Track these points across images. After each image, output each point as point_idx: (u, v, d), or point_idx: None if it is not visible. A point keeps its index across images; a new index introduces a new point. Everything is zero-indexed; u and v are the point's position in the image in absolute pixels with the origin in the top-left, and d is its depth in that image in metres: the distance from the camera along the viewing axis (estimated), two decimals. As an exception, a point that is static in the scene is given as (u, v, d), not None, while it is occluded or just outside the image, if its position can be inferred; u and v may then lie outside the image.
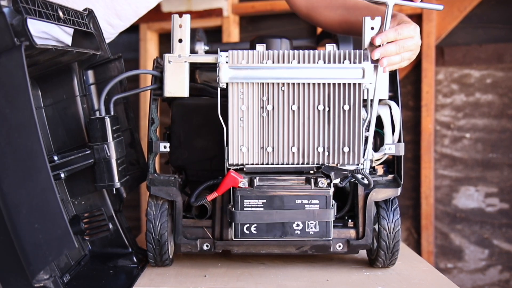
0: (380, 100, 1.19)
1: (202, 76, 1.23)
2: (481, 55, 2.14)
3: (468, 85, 2.17)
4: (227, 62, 1.08)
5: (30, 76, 0.89)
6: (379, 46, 1.11)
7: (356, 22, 1.15)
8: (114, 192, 1.21)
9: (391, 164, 1.22)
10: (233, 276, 1.16)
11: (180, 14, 1.13)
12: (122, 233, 1.24)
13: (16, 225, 0.89)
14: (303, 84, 1.08)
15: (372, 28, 1.15)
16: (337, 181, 1.09)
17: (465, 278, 2.20)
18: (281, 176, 1.08)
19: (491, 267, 2.17)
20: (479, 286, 2.19)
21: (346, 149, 1.09)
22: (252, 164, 1.10)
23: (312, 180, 1.07)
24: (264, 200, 1.06)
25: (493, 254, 2.17)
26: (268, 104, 1.09)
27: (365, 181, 1.10)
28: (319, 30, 2.09)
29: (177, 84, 1.14)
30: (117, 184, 1.13)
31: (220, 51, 1.09)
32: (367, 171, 1.12)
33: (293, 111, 1.09)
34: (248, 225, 1.07)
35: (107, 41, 1.50)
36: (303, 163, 1.10)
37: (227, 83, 1.08)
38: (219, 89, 1.09)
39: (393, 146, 1.17)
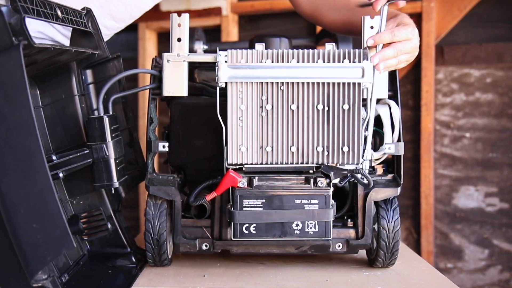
0: (379, 100, 1.19)
1: (201, 76, 1.23)
2: (481, 54, 2.14)
3: (468, 84, 2.16)
4: (226, 62, 1.07)
5: (28, 76, 0.88)
6: (375, 47, 1.11)
7: (360, 22, 1.15)
8: (113, 191, 1.20)
9: (390, 163, 1.22)
10: (232, 276, 1.15)
11: (179, 13, 1.13)
12: (121, 233, 1.23)
13: (15, 225, 0.89)
14: (303, 83, 1.08)
15: (372, 27, 1.14)
16: (336, 180, 1.09)
17: (465, 278, 2.19)
18: (281, 176, 1.08)
19: (491, 267, 2.17)
20: (479, 286, 2.18)
21: (345, 149, 1.09)
22: (251, 163, 1.09)
23: (312, 180, 1.07)
24: (263, 200, 1.06)
25: (493, 254, 2.17)
26: (267, 103, 1.08)
27: (365, 181, 1.10)
28: (318, 29, 2.09)
29: (176, 84, 1.13)
30: (116, 184, 1.12)
31: (219, 50, 1.09)
32: (367, 171, 1.11)
33: (293, 110, 1.08)
34: (247, 225, 1.07)
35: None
36: (302, 163, 1.09)
37: (226, 83, 1.08)
38: (218, 88, 1.09)
39: (392, 146, 1.17)
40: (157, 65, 1.18)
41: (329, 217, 1.07)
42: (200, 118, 1.22)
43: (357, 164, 1.09)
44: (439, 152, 2.22)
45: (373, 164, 1.19)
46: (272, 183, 1.07)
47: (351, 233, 1.17)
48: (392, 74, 1.18)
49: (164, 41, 2.51)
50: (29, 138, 0.88)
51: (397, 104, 1.18)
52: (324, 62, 1.08)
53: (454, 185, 2.21)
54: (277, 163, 1.09)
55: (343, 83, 1.08)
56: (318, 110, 1.09)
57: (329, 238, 1.08)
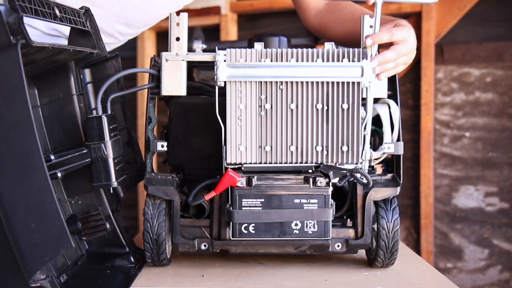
0: (379, 99, 1.19)
1: (200, 75, 1.23)
2: (481, 54, 2.13)
3: (468, 83, 2.16)
4: (225, 61, 1.07)
5: (26, 75, 0.88)
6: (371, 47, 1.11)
7: None
8: (111, 191, 1.20)
9: (390, 163, 1.21)
10: (231, 276, 1.15)
11: (178, 12, 1.12)
12: (119, 233, 1.23)
13: (13, 225, 0.89)
14: (302, 82, 1.08)
15: (371, 27, 1.14)
16: (335, 180, 1.09)
17: (465, 278, 2.19)
18: (280, 175, 1.08)
19: (491, 267, 2.17)
20: (478, 286, 2.18)
21: (345, 148, 1.09)
22: (250, 163, 1.09)
23: (311, 179, 1.06)
24: (262, 200, 1.06)
25: (493, 254, 2.16)
26: (266, 102, 1.08)
27: (364, 180, 1.10)
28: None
29: (175, 83, 1.13)
30: (114, 184, 1.12)
31: (218, 49, 1.08)
32: (366, 171, 1.11)
33: (292, 110, 1.08)
34: (246, 224, 1.06)
35: (114, 46, 1.51)
36: (301, 162, 1.09)
37: (225, 82, 1.07)
38: (217, 87, 1.09)
39: (392, 145, 1.17)
40: (156, 65, 1.18)
41: (328, 217, 1.06)
42: (199, 117, 1.22)
43: (356, 163, 1.09)
44: (439, 152, 2.21)
45: (372, 164, 1.19)
46: (271, 182, 1.07)
47: (351, 233, 1.17)
48: (391, 73, 1.18)
49: (163, 40, 2.51)
50: (27, 137, 0.88)
51: (397, 104, 1.18)
52: (323, 61, 1.08)
53: (454, 184, 2.20)
54: (276, 163, 1.09)
55: (342, 82, 1.08)
56: (317, 110, 1.08)
57: (328, 238, 1.08)
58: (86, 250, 1.23)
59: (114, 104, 1.21)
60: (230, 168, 1.08)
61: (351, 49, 1.08)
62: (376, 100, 1.20)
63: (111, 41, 1.46)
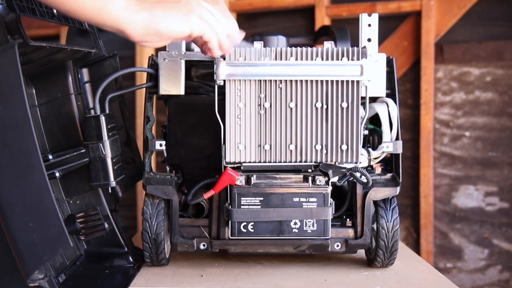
0: (377, 98, 1.19)
1: (198, 74, 1.22)
2: (481, 53, 2.13)
3: (468, 83, 2.15)
4: (224, 59, 1.07)
5: (24, 74, 0.88)
6: None
7: None
8: (110, 191, 1.20)
9: (389, 162, 1.21)
10: (230, 276, 1.15)
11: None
12: (118, 233, 1.23)
13: (10, 224, 0.88)
14: (301, 81, 1.08)
15: (369, 25, 1.14)
16: (335, 179, 1.08)
17: (465, 278, 2.19)
18: (279, 174, 1.08)
19: (490, 267, 2.16)
20: (478, 286, 2.18)
21: (344, 147, 1.09)
22: (249, 162, 1.09)
23: (310, 178, 1.06)
24: (261, 198, 1.05)
25: (493, 254, 2.16)
26: (265, 101, 1.08)
27: (364, 180, 1.09)
28: (317, 27, 2.08)
29: (173, 82, 1.13)
30: (113, 183, 1.12)
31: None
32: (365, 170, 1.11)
33: (291, 108, 1.08)
34: (245, 223, 1.06)
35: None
36: (300, 161, 1.09)
37: (224, 80, 1.07)
38: (216, 86, 1.09)
39: (391, 144, 1.17)
40: (154, 64, 1.17)
41: (327, 216, 1.06)
42: (197, 116, 1.21)
43: (356, 162, 1.09)
44: (438, 151, 2.21)
45: (372, 163, 1.19)
46: (270, 181, 1.07)
47: (350, 232, 1.17)
48: (390, 72, 1.18)
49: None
50: (25, 137, 0.88)
51: (395, 102, 1.18)
52: (322, 60, 1.08)
53: (453, 184, 2.20)
54: (275, 161, 1.09)
55: (342, 81, 1.08)
56: (316, 108, 1.08)
57: (327, 237, 1.08)
58: (84, 250, 1.23)
59: (112, 103, 1.21)
60: (229, 167, 1.08)
61: (350, 48, 1.08)
62: (375, 99, 1.20)
63: None
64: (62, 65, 1.16)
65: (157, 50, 2.25)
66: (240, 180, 1.06)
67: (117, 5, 0.87)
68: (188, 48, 1.16)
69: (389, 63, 1.18)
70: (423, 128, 2.18)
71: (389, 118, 1.17)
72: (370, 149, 1.18)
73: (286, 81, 1.07)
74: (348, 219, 1.18)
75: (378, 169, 1.23)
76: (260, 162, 1.09)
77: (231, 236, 1.07)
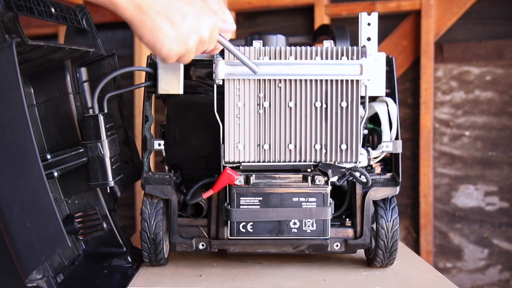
0: (377, 97, 1.19)
1: (197, 73, 1.22)
2: (481, 52, 2.13)
3: (468, 82, 2.15)
4: (223, 58, 1.07)
5: (22, 74, 0.88)
6: None
7: None
8: (108, 190, 1.20)
9: (389, 162, 1.21)
10: (229, 276, 1.14)
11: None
12: (117, 232, 1.23)
13: (8, 224, 0.88)
14: (300, 80, 1.07)
15: (369, 24, 1.14)
16: (334, 179, 1.08)
17: (465, 278, 2.18)
18: (278, 174, 1.07)
19: (490, 267, 2.16)
20: (478, 286, 2.17)
21: (343, 147, 1.08)
22: (249, 161, 1.09)
23: (309, 178, 1.06)
24: (261, 198, 1.05)
25: (493, 254, 2.16)
26: (264, 100, 1.08)
27: (363, 179, 1.09)
28: (316, 26, 2.08)
29: (171, 81, 1.13)
30: (111, 183, 1.12)
31: (216, 47, 1.08)
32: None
33: (290, 108, 1.08)
34: (244, 223, 1.06)
35: None
36: (300, 161, 1.09)
37: (223, 80, 1.07)
38: (215, 85, 1.08)
39: (390, 144, 1.16)
40: (153, 63, 1.17)
41: (327, 215, 1.06)
42: (196, 116, 1.21)
43: (355, 162, 1.09)
44: (438, 151, 2.21)
45: (371, 163, 1.19)
46: (270, 181, 1.07)
47: (349, 232, 1.16)
48: (389, 71, 1.18)
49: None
50: (23, 136, 0.87)
51: (395, 102, 1.17)
52: (322, 59, 1.07)
53: (453, 184, 2.20)
54: (274, 161, 1.09)
55: (341, 80, 1.07)
56: (316, 108, 1.08)
57: (327, 237, 1.08)
58: (83, 250, 1.22)
59: (111, 102, 1.21)
60: (228, 167, 1.07)
61: (349, 47, 1.08)
62: (374, 99, 1.20)
63: None
64: (60, 64, 1.16)
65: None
66: (239, 179, 1.05)
67: None
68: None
69: (389, 62, 1.18)
70: (423, 127, 2.17)
71: (388, 117, 1.17)
72: (369, 149, 1.18)
73: (285, 80, 1.07)
74: (347, 219, 1.18)
75: (378, 169, 1.23)
76: (259, 161, 1.09)
77: (230, 236, 1.07)
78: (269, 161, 1.09)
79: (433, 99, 2.18)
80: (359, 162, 1.10)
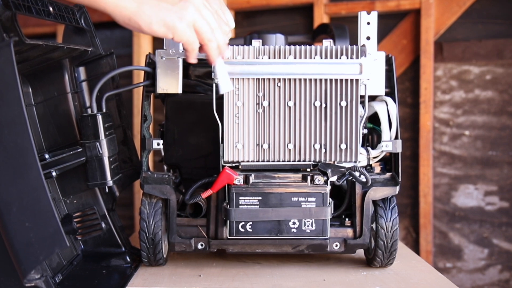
0: (376, 97, 1.18)
1: (196, 72, 1.22)
2: (481, 51, 2.12)
3: (467, 81, 2.15)
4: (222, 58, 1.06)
5: (20, 73, 0.88)
6: None
7: None
8: (107, 190, 1.19)
9: (388, 161, 1.21)
10: (228, 275, 1.14)
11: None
12: (115, 232, 1.22)
13: (7, 224, 0.88)
14: (300, 80, 1.07)
15: (368, 23, 1.13)
16: (334, 178, 1.08)
17: (464, 278, 2.18)
18: (277, 174, 1.07)
19: (490, 267, 2.16)
20: (478, 286, 2.17)
21: (343, 146, 1.08)
22: (248, 161, 1.08)
23: (309, 178, 1.05)
24: (260, 198, 1.05)
25: (493, 254, 2.15)
26: (264, 100, 1.07)
27: (363, 179, 1.09)
28: (315, 25, 2.07)
29: (170, 81, 1.12)
30: (110, 182, 1.12)
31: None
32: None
33: (289, 107, 1.07)
34: (243, 223, 1.05)
35: None
36: (299, 160, 1.08)
37: (222, 79, 1.07)
38: (214, 85, 1.08)
39: (390, 143, 1.16)
40: (151, 62, 1.17)
41: (326, 215, 1.06)
42: (195, 115, 1.21)
43: (355, 161, 1.09)
44: (438, 150, 2.20)
45: (371, 162, 1.18)
46: (269, 180, 1.06)
47: (349, 232, 1.16)
48: (389, 71, 1.17)
49: (159, 38, 2.49)
50: (21, 136, 0.87)
51: (394, 101, 1.17)
52: (321, 58, 1.07)
53: (453, 183, 2.19)
54: (274, 161, 1.08)
55: (341, 80, 1.07)
56: (315, 107, 1.08)
57: (326, 237, 1.07)
58: (81, 250, 1.22)
59: (109, 102, 1.21)
60: (227, 166, 1.07)
61: (349, 46, 1.07)
62: (374, 98, 1.20)
63: None
64: (58, 63, 1.16)
65: (155, 48, 2.24)
66: (238, 179, 1.05)
67: None
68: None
69: (388, 61, 1.17)
70: (423, 127, 2.17)
71: (388, 117, 1.17)
72: (369, 148, 1.17)
73: (284, 79, 1.07)
74: (347, 219, 1.18)
75: (377, 168, 1.22)
76: (258, 161, 1.08)
77: (229, 236, 1.07)
78: (269, 161, 1.08)
79: (433, 99, 2.17)
80: (359, 161, 1.09)
